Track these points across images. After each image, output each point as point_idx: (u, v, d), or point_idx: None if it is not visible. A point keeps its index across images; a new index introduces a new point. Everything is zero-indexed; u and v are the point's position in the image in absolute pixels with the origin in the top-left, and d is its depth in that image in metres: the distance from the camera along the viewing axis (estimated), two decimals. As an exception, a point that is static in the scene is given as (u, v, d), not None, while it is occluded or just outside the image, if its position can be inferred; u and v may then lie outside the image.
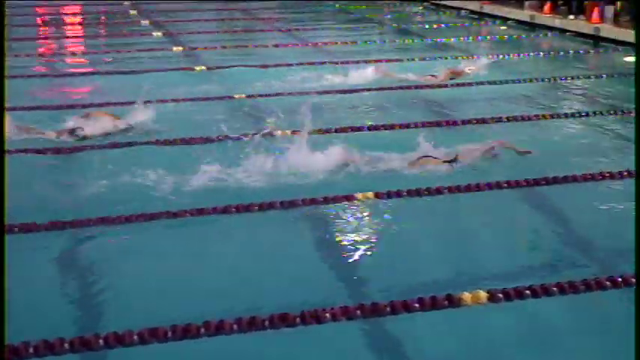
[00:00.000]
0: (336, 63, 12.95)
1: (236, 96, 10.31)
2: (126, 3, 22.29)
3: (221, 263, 5.49)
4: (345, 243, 5.88)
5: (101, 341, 4.15)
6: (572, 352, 4.43)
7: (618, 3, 17.08)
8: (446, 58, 13.74)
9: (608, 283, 4.86)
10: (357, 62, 12.91)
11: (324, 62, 13.15)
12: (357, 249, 5.75)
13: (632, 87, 11.19)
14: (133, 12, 20.63)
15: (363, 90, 10.92)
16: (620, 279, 4.90)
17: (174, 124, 8.76)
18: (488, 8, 21.10)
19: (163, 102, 9.57)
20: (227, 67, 12.56)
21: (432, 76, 11.44)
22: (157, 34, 16.58)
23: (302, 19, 20.60)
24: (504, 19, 19.79)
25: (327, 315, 4.46)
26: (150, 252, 5.64)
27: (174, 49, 14.61)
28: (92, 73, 12.56)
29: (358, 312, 4.53)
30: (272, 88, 10.80)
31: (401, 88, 11.05)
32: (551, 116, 9.32)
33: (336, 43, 15.83)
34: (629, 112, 9.50)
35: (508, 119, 9.11)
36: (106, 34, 18.49)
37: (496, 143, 7.59)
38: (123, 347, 4.15)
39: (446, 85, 11.20)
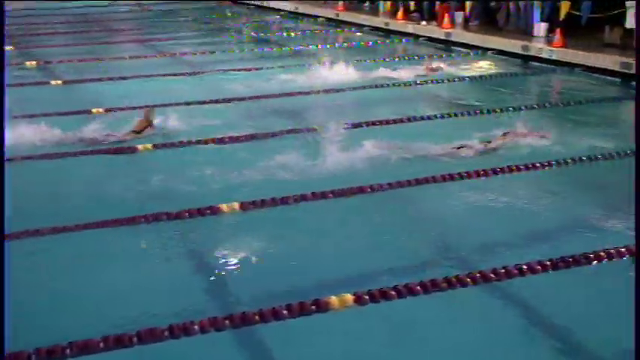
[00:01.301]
0: (195, 73, 12.90)
1: (93, 110, 10.05)
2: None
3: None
4: (211, 254, 5.85)
5: None
6: (438, 349, 4.56)
7: (467, 9, 17.72)
8: (304, 65, 13.89)
9: (468, 280, 5.04)
10: (217, 71, 12.91)
11: (184, 73, 13.08)
12: (224, 259, 5.73)
13: (483, 89, 11.71)
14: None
15: (224, 101, 10.89)
16: (478, 275, 5.08)
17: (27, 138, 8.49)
18: (344, 16, 21.49)
19: (15, 118, 9.20)
20: (83, 82, 12.27)
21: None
22: (8, 47, 16.00)
23: (159, 30, 20.36)
24: (360, 26, 20.20)
25: (196, 327, 4.43)
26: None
27: (28, 63, 14.12)
28: None
29: (227, 322, 4.52)
30: (131, 100, 10.59)
31: (265, 97, 11.09)
32: (409, 119, 9.54)
33: (195, 53, 15.73)
34: (481, 113, 9.87)
35: (367, 124, 9.28)
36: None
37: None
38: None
39: (308, 92, 11.32)
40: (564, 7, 14.64)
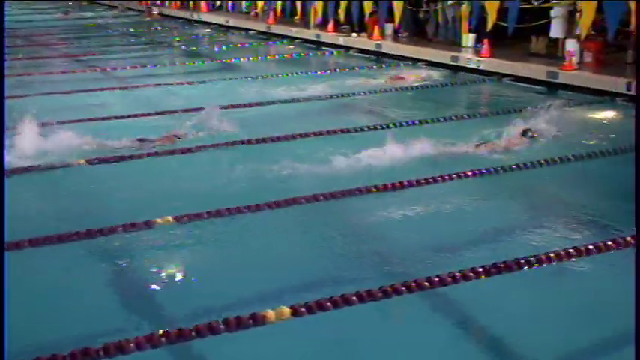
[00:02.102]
0: (126, 87, 12.79)
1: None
2: None
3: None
4: (144, 269, 5.79)
5: None
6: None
7: (397, 21, 17.91)
8: (236, 79, 13.90)
9: (403, 288, 5.08)
10: (149, 86, 12.82)
11: (115, 87, 12.95)
12: (157, 274, 5.69)
13: (414, 100, 11.85)
14: None
15: (157, 114, 10.82)
16: (413, 284, 5.13)
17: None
18: (275, 28, 21.53)
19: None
20: (12, 97, 12.03)
21: None
22: None
23: (89, 45, 20.11)
24: (292, 39, 20.26)
25: (132, 344, 4.38)
26: None
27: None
28: None
29: (163, 339, 4.47)
30: (62, 115, 10.42)
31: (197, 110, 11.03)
32: (342, 131, 9.59)
33: (126, 67, 15.59)
34: (413, 124, 9.98)
35: (301, 136, 9.30)
36: None
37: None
38: None
39: (250, 105, 11.31)
40: (491, 18, 14.90)
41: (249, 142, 9.05)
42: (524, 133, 9.00)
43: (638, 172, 6.86)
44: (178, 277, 5.73)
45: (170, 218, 6.46)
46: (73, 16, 30.21)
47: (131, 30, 24.00)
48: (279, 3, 21.65)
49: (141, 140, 9.06)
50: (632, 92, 11.44)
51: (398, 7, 17.50)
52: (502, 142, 8.87)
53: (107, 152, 8.60)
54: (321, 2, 19.80)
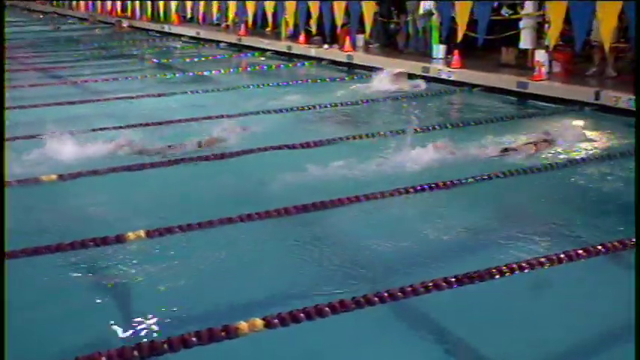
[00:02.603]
0: (98, 100, 12.75)
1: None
2: None
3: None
4: (116, 282, 5.76)
5: None
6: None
7: (367, 32, 18.00)
8: (208, 91, 13.89)
9: (376, 299, 5.09)
10: (121, 98, 12.79)
11: (88, 100, 12.89)
12: (130, 288, 5.66)
13: (384, 110, 11.90)
14: None
15: (129, 127, 10.77)
16: (386, 294, 5.14)
17: None
18: (246, 40, 21.54)
19: None
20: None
21: None
22: None
23: (59, 57, 19.99)
24: (263, 50, 20.29)
25: (103, 359, 4.34)
26: None
27: None
28: None
29: (135, 352, 4.45)
30: (32, 129, 10.34)
31: (169, 122, 11.03)
32: (315, 144, 9.58)
33: (97, 80, 15.52)
34: (384, 135, 10.01)
35: (273, 148, 9.29)
36: None
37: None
38: None
39: (211, 117, 11.30)
40: (461, 30, 15.02)
41: (222, 155, 9.00)
42: (504, 150, 9.06)
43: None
44: (150, 290, 5.69)
45: (142, 232, 6.42)
46: (41, 29, 30.05)
47: (102, 43, 23.91)
48: (250, 15, 21.64)
49: (170, 147, 9.37)
50: (601, 102, 11.59)
51: (368, 18, 17.58)
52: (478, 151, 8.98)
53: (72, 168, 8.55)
54: (292, 14, 19.82)
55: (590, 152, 9.20)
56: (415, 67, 15.41)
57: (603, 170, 8.56)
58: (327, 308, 4.90)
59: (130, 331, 5.02)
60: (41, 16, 38.23)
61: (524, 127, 10.64)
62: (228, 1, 23.14)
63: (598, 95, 11.70)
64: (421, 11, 16.50)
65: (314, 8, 18.83)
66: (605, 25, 12.06)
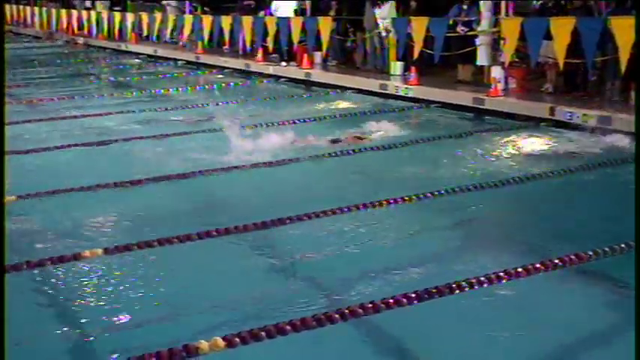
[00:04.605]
0: (53, 119, 12.65)
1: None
2: None
3: None
4: (74, 301, 5.68)
5: None
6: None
7: (324, 49, 18.06)
8: (167, 110, 13.83)
9: (337, 316, 5.08)
10: (75, 118, 12.71)
11: (42, 119, 12.77)
12: (88, 308, 5.59)
13: (345, 126, 11.92)
14: None
15: (83, 145, 10.68)
16: (347, 311, 5.13)
17: None
18: (204, 58, 21.53)
19: None
20: None
21: None
22: None
23: (13, 76, 19.74)
24: (221, 68, 20.28)
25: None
26: None
27: None
28: None
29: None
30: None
31: (127, 140, 10.95)
32: (278, 162, 9.54)
33: (53, 99, 15.36)
34: (352, 153, 10.04)
35: (237, 167, 9.25)
36: None
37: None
38: None
39: (170, 135, 11.25)
40: (417, 46, 15.14)
41: (184, 175, 8.94)
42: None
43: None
44: (109, 310, 5.62)
45: (99, 250, 6.37)
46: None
47: (56, 60, 23.70)
48: (206, 32, 21.58)
49: (333, 141, 10.56)
50: (555, 117, 11.76)
51: (325, 36, 17.65)
52: None
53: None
54: (249, 32, 19.81)
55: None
56: (373, 84, 15.51)
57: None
58: (287, 326, 4.88)
59: (90, 352, 4.96)
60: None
61: (480, 142, 10.76)
62: (184, 20, 23.09)
63: (553, 111, 11.86)
64: (381, 27, 16.55)
65: (271, 25, 18.87)
66: (559, 41, 12.24)
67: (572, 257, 5.96)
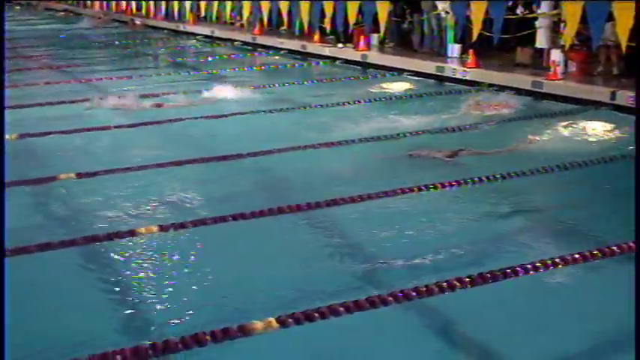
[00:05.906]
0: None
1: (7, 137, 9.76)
2: None
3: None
4: (124, 280, 5.77)
5: None
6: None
7: (382, 31, 17.93)
8: (223, 89, 13.90)
9: (390, 299, 5.07)
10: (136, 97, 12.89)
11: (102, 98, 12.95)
12: (135, 285, 5.66)
13: (398, 110, 11.84)
14: None
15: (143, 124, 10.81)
16: (400, 294, 5.12)
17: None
18: (260, 39, 21.53)
19: None
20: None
21: None
22: None
23: (73, 56, 20.05)
24: (277, 49, 20.27)
25: (118, 357, 4.35)
26: None
27: None
28: None
29: (150, 351, 4.45)
30: (50, 126, 10.38)
31: (182, 120, 11.05)
32: (333, 144, 9.53)
33: (111, 78, 15.55)
34: (398, 137, 9.97)
35: (287, 150, 9.23)
36: None
37: None
38: None
39: (226, 116, 11.31)
40: (476, 29, 14.95)
41: (230, 156, 8.95)
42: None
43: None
44: (161, 284, 5.68)
45: (154, 227, 6.49)
46: (55, 27, 30.14)
47: (116, 41, 23.97)
48: (265, 13, 21.60)
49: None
50: (617, 102, 11.52)
51: (382, 17, 17.52)
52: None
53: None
54: (307, 13, 19.75)
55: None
56: (429, 66, 15.37)
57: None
58: (341, 308, 4.89)
59: (139, 331, 5.03)
60: (62, 13, 38.48)
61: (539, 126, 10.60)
62: (243, 1, 23.11)
63: (614, 95, 11.62)
64: (440, 8, 16.38)
65: (328, 7, 18.78)
66: (621, 24, 11.97)
67: (631, 244, 5.85)
